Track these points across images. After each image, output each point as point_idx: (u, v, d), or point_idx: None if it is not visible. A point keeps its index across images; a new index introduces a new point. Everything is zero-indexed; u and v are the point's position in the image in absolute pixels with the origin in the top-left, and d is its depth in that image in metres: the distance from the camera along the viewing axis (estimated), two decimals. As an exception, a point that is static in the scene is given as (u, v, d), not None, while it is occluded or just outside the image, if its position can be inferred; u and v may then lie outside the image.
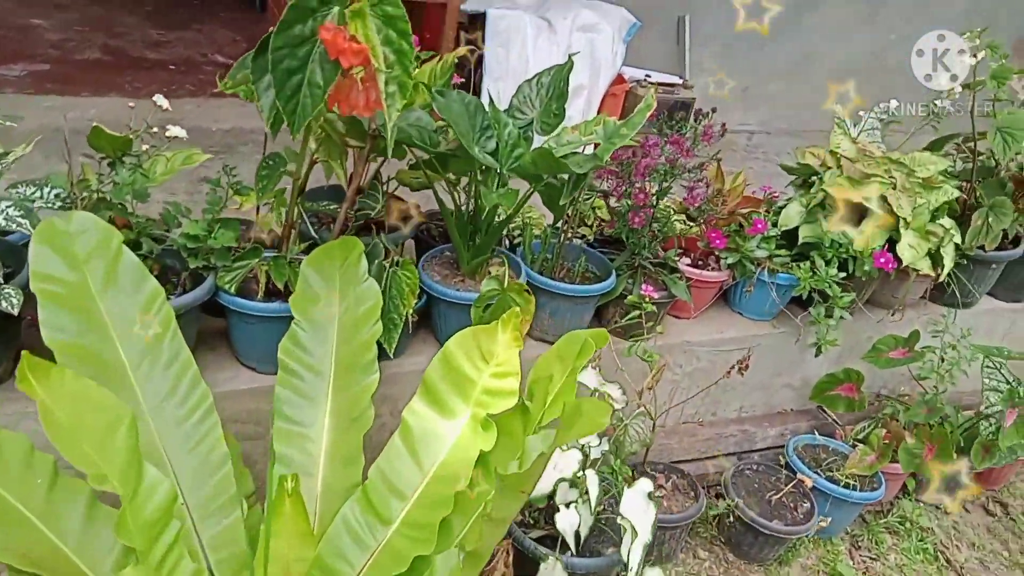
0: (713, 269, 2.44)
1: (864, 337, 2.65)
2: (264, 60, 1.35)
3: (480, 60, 3.22)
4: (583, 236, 2.40)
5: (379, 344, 1.70)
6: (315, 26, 1.37)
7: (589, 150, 1.99)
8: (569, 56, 2.00)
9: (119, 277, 1.47)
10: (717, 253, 2.38)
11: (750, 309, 2.54)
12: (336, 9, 1.39)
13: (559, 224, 2.19)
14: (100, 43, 3.97)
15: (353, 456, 1.59)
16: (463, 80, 3.57)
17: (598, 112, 3.48)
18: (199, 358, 1.58)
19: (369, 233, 1.98)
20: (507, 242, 2.35)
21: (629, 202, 2.08)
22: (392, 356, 1.82)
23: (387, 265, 1.79)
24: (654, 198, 2.05)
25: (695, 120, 2.13)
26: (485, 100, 3.24)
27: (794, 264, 2.41)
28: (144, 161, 1.85)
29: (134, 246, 1.72)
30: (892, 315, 2.65)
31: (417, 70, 2.00)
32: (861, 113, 2.85)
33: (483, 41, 3.16)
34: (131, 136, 1.75)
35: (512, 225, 2.36)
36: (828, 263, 2.37)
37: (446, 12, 3.20)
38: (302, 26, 1.36)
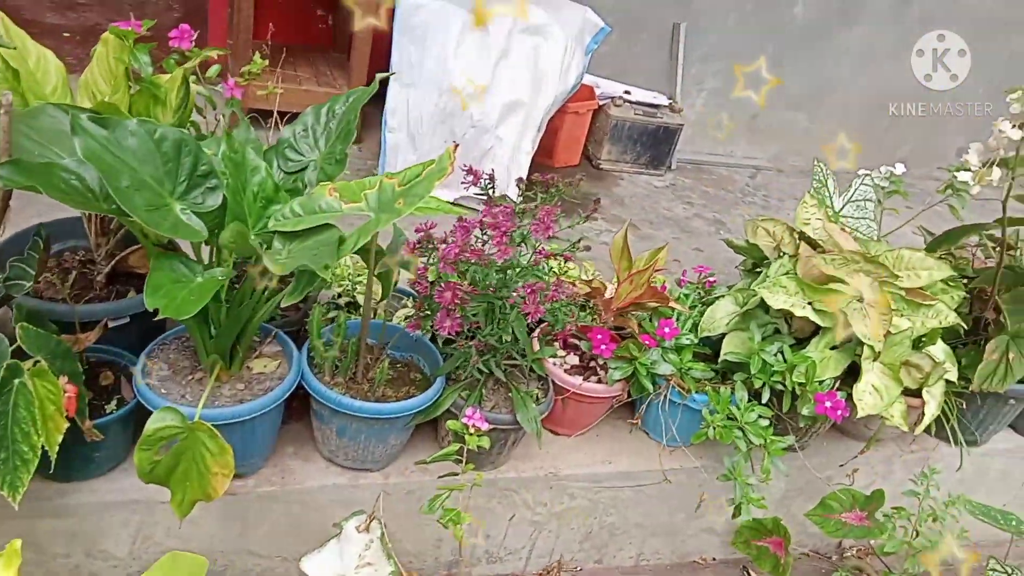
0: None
1: (824, 475, 1.95)
2: None
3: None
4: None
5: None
6: None
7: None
8: (375, 76, 1.37)
9: None
10: (604, 362, 1.72)
11: (658, 431, 1.87)
12: None
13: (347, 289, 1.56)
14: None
15: None
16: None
17: (543, 135, 2.81)
18: None
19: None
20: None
21: (433, 301, 1.42)
22: (17, 506, 1.21)
23: (18, 371, 1.19)
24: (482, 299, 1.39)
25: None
26: (389, 108, 2.64)
27: (711, 384, 1.75)
28: None
29: None
30: (860, 453, 1.95)
31: (162, 77, 1.40)
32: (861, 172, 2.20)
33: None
34: None
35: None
36: (756, 394, 1.69)
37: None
38: None
